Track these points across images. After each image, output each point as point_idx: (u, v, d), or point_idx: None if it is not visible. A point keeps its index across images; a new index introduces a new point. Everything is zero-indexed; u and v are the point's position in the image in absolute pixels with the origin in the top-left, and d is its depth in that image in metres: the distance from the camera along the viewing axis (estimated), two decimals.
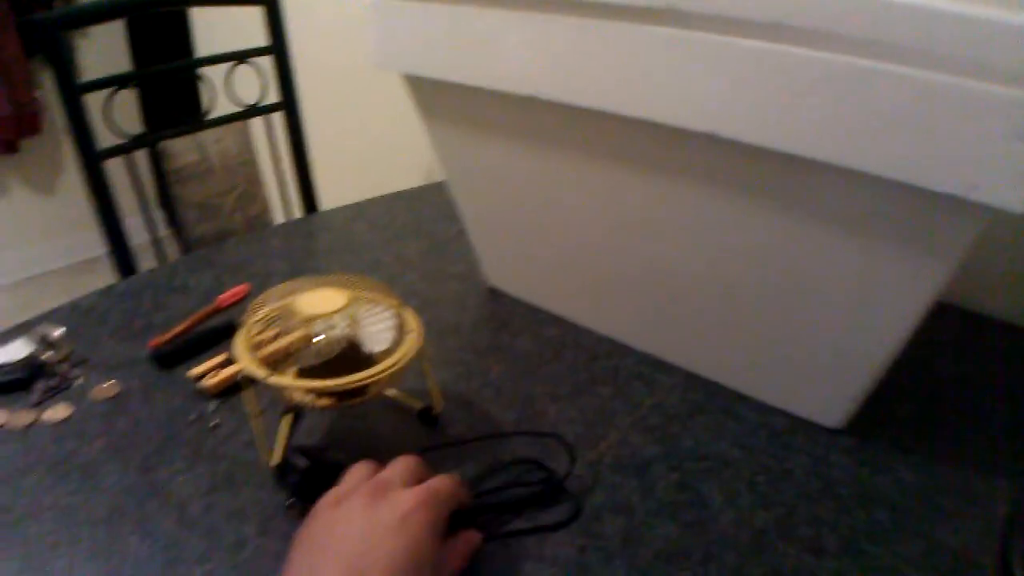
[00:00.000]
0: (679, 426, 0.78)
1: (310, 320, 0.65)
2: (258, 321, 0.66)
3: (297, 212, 1.66)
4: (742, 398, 0.82)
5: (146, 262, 1.27)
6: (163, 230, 1.54)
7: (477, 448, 0.75)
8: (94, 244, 3.33)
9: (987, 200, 0.52)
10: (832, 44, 0.54)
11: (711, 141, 0.63)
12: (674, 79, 0.63)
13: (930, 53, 0.51)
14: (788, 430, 0.77)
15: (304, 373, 0.66)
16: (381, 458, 0.73)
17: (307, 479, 0.63)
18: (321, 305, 0.67)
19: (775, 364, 0.78)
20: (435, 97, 0.87)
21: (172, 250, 1.42)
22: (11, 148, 3.02)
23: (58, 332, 0.92)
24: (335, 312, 0.66)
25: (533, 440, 0.76)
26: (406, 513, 0.53)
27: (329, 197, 1.71)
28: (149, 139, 1.39)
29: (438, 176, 1.80)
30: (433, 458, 0.72)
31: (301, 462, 0.64)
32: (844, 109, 0.55)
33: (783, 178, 0.64)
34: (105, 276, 3.22)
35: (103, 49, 3.06)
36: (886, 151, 0.55)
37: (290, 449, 0.66)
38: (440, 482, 0.59)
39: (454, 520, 0.59)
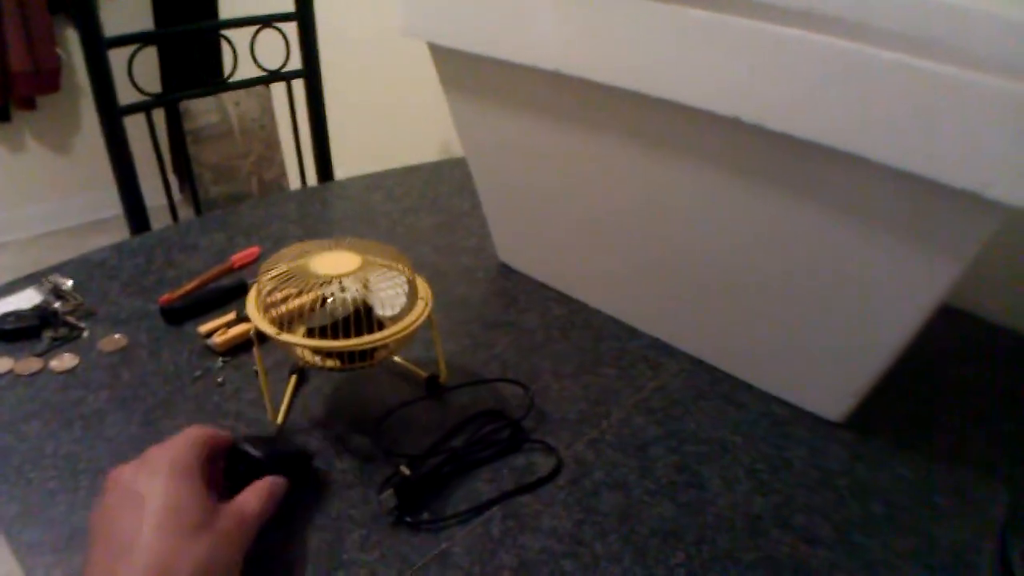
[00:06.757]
0: (681, 410, 0.78)
1: (322, 281, 0.65)
2: (271, 279, 0.66)
3: (312, 179, 1.66)
4: (746, 386, 0.82)
5: (158, 224, 1.27)
6: (177, 194, 1.54)
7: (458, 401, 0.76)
8: (107, 204, 3.33)
9: (1001, 198, 0.52)
10: (859, 34, 0.54)
11: (733, 126, 0.63)
12: (701, 61, 0.63)
13: (952, 48, 0.51)
14: (789, 420, 0.78)
15: (313, 334, 0.66)
16: (381, 424, 0.73)
17: (253, 473, 0.61)
18: (334, 267, 0.67)
19: (780, 354, 0.78)
20: (458, 68, 0.87)
21: (185, 213, 1.42)
22: (29, 105, 3.03)
23: (68, 283, 0.93)
24: (347, 274, 0.66)
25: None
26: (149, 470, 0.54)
27: (344, 167, 1.71)
28: (171, 97, 1.39)
29: (454, 152, 1.80)
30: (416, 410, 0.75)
31: (252, 453, 0.62)
32: (867, 100, 0.55)
33: (802, 166, 0.64)
34: (116, 236, 3.21)
35: (125, 8, 3.06)
36: (905, 144, 0.55)
37: (243, 439, 0.64)
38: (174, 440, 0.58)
39: (250, 471, 0.61)
